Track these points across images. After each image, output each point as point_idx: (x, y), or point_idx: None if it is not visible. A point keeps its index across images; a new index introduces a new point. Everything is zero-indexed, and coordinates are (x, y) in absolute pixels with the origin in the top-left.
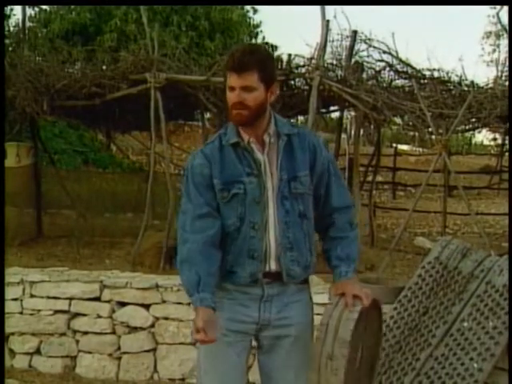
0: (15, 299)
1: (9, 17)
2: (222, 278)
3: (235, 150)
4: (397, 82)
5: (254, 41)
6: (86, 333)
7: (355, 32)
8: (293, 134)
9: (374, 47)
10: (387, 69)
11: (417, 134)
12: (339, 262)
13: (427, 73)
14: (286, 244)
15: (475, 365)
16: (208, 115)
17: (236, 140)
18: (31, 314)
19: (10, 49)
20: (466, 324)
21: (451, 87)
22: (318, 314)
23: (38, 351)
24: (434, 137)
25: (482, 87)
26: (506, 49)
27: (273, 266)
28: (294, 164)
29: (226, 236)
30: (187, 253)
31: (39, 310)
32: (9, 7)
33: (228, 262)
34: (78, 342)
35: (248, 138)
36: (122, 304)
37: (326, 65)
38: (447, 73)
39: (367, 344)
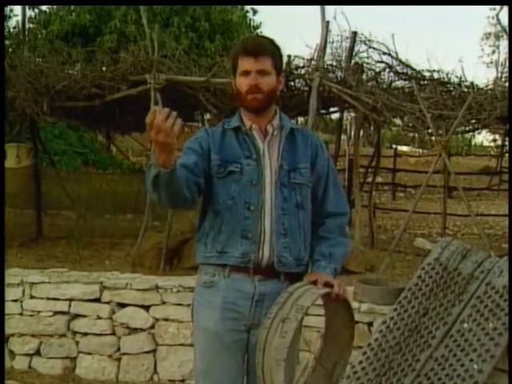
0: (15, 300)
1: (9, 18)
2: (215, 259)
3: (236, 135)
4: (397, 83)
5: None
6: (85, 334)
7: (355, 33)
8: (296, 129)
9: (374, 48)
10: (387, 70)
11: (417, 135)
12: (320, 257)
13: (427, 74)
14: (280, 230)
15: (475, 366)
16: (208, 116)
17: (238, 124)
18: (31, 315)
19: (10, 50)
20: (465, 325)
21: (451, 88)
22: (318, 315)
23: (37, 352)
24: (433, 138)
25: (482, 88)
26: (506, 50)
27: (266, 252)
28: (295, 156)
29: (217, 215)
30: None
31: (39, 311)
32: (8, 8)
33: (220, 243)
34: (77, 343)
35: (250, 124)
36: (122, 305)
37: (325, 66)
38: (447, 74)
39: (334, 342)
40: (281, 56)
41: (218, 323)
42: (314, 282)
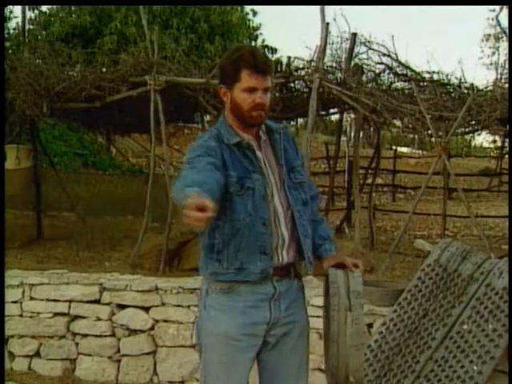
0: (15, 302)
1: (9, 19)
2: (232, 276)
3: (239, 149)
4: (396, 84)
5: (253, 43)
6: (85, 335)
7: (355, 34)
8: (280, 128)
9: (374, 50)
10: (387, 71)
11: (416, 136)
12: (323, 241)
13: (427, 75)
14: (303, 232)
15: (475, 367)
16: (208, 117)
17: (238, 140)
18: (31, 317)
19: (10, 51)
20: (465, 327)
21: (451, 90)
22: (318, 317)
23: (37, 354)
24: (433, 139)
25: (482, 90)
26: (506, 51)
27: (285, 257)
28: (288, 156)
29: (236, 232)
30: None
31: (39, 313)
32: (8, 10)
33: (238, 259)
34: (77, 344)
35: (246, 136)
36: (122, 306)
37: (325, 67)
38: (447, 75)
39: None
40: None
41: (239, 328)
42: (338, 266)
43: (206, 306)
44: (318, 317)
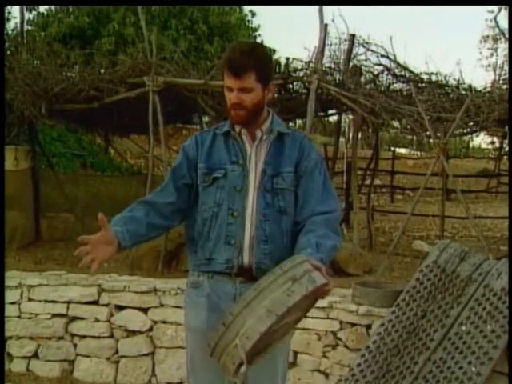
0: (13, 303)
1: (7, 20)
2: (204, 267)
3: (226, 139)
4: (395, 85)
5: None
6: (83, 336)
7: (353, 36)
8: (286, 133)
9: (372, 51)
10: (385, 72)
11: (415, 137)
12: (307, 246)
13: (425, 76)
14: (261, 236)
15: (473, 368)
16: (206, 118)
17: (227, 129)
18: (29, 318)
19: (9, 52)
20: (464, 328)
21: (449, 91)
22: (316, 318)
23: (35, 355)
24: (431, 140)
25: (480, 91)
26: (504, 53)
27: (245, 257)
28: (281, 160)
29: (204, 222)
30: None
31: (37, 314)
32: (7, 11)
33: (208, 250)
34: (75, 345)
35: (240, 129)
36: (120, 308)
37: (324, 68)
38: (445, 76)
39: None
40: (269, 64)
41: (205, 323)
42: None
43: (184, 301)
44: (316, 318)
